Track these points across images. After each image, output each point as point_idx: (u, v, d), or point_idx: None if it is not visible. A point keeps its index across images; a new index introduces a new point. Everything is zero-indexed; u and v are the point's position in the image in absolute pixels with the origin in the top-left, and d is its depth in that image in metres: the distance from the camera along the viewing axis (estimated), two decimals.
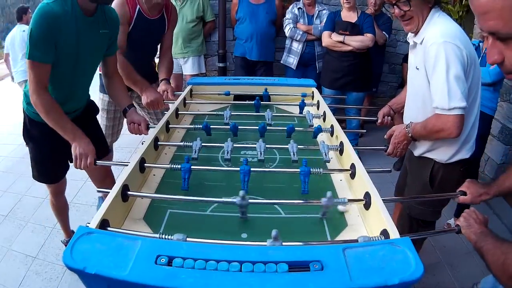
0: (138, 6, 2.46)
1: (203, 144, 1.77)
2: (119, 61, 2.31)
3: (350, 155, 1.65)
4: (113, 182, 2.45)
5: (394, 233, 1.11)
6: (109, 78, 2.23)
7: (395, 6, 1.78)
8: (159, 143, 1.82)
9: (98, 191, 2.28)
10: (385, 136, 2.10)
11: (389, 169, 1.73)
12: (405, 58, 4.39)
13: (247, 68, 4.27)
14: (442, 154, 1.90)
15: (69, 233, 2.76)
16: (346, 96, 3.83)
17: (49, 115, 1.83)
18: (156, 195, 1.46)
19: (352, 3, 3.69)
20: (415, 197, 2.06)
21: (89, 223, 1.12)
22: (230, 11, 4.42)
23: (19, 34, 5.37)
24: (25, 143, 2.24)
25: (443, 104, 1.65)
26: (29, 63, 1.74)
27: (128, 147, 4.29)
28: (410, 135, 1.90)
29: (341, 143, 1.79)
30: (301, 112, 2.43)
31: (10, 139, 5.63)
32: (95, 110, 2.40)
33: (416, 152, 2.02)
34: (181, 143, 1.80)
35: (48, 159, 2.21)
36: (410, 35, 1.94)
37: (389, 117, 2.34)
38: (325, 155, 1.72)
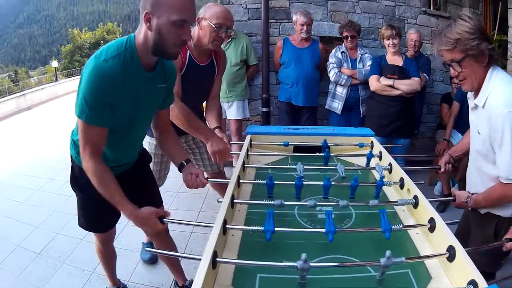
0: (188, 52, 2.42)
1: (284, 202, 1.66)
2: (180, 108, 2.23)
3: (427, 208, 1.59)
4: (167, 235, 2.36)
5: (482, 283, 1.13)
6: (161, 132, 2.07)
7: (450, 67, 1.82)
8: (235, 201, 1.71)
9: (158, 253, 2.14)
10: (455, 205, 2.08)
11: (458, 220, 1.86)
12: (444, 99, 4.42)
13: (292, 114, 4.20)
14: (507, 210, 1.88)
15: (115, 281, 2.61)
16: (401, 145, 3.75)
17: (102, 186, 1.66)
18: (249, 262, 1.32)
19: (397, 47, 3.67)
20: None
21: None
22: (274, 55, 4.40)
23: None
24: (72, 190, 2.10)
25: (508, 175, 1.70)
26: (84, 125, 1.59)
27: (169, 191, 4.17)
28: (470, 208, 1.96)
29: (416, 197, 1.72)
30: (367, 164, 2.35)
31: (40, 171, 5.64)
32: (148, 159, 2.28)
33: (482, 210, 2.00)
34: (262, 201, 1.70)
35: (98, 210, 2.05)
36: (470, 95, 1.97)
37: (450, 165, 2.33)
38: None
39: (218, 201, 1.67)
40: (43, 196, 4.62)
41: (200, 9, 2.39)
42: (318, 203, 1.68)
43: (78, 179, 1.97)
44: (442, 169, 2.32)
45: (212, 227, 1.41)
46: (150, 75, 1.71)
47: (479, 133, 1.84)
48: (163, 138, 2.07)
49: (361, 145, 2.56)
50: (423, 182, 1.90)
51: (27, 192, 4.79)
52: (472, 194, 1.94)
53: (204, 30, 2.34)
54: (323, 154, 2.37)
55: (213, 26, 2.30)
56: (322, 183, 1.86)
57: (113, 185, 1.66)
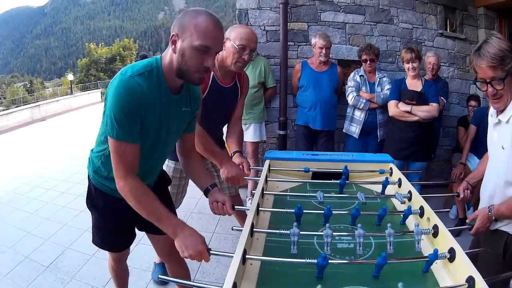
0: (212, 73, 2.39)
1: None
2: (198, 131, 2.18)
3: (448, 238, 1.54)
4: (178, 257, 2.29)
5: None
6: (186, 157, 2.02)
7: (488, 85, 1.77)
8: (254, 229, 1.67)
9: None
10: (468, 221, 2.09)
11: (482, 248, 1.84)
12: (460, 122, 4.41)
13: (309, 137, 4.16)
14: None
15: None
16: (419, 171, 3.74)
17: (142, 204, 1.59)
18: None
19: (417, 71, 3.66)
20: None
21: None
22: (292, 77, 4.40)
23: None
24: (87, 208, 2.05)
25: None
26: (115, 144, 1.54)
27: (183, 211, 4.12)
28: (493, 218, 1.90)
29: (436, 226, 1.67)
30: (383, 192, 2.29)
31: (53, 184, 5.66)
32: (167, 181, 2.25)
33: (492, 227, 1.99)
34: (278, 231, 1.63)
35: (115, 230, 2.02)
36: (492, 111, 1.95)
37: (468, 191, 2.32)
38: (418, 243, 1.62)
39: (232, 229, 1.61)
40: (54, 209, 4.62)
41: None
42: (336, 233, 1.63)
43: (95, 199, 1.94)
44: (462, 195, 2.31)
45: (232, 256, 1.37)
46: (175, 97, 1.69)
47: (503, 148, 1.84)
48: (188, 162, 2.03)
49: (381, 172, 2.51)
50: (448, 210, 1.90)
51: (38, 204, 4.81)
52: (492, 205, 1.93)
53: (227, 51, 2.32)
54: (343, 183, 2.32)
55: (236, 47, 2.27)
56: (350, 212, 1.83)
57: (155, 202, 1.61)
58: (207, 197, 1.92)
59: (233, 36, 2.30)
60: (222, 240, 3.60)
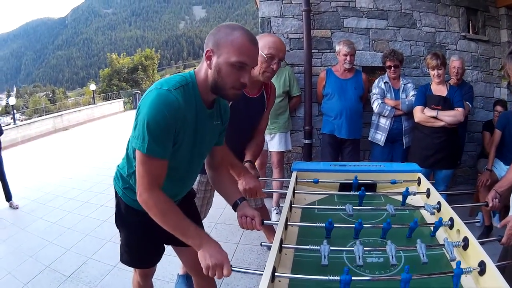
0: None
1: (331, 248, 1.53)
2: None
3: (479, 251, 1.47)
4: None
5: None
6: (215, 170, 1.96)
7: None
8: (283, 245, 1.60)
9: None
10: (499, 226, 2.09)
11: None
12: (486, 126, 4.32)
13: (334, 146, 4.07)
14: None
15: None
16: (445, 177, 3.72)
17: (166, 217, 1.55)
18: None
19: (442, 77, 3.59)
20: None
21: None
22: (316, 86, 4.33)
23: None
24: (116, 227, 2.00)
25: None
26: (143, 158, 1.49)
27: (207, 221, 3.94)
28: None
29: (466, 238, 1.59)
30: (403, 203, 2.21)
31: (75, 193, 5.69)
32: (193, 194, 2.20)
33: None
34: (307, 247, 1.56)
35: (145, 248, 1.97)
36: None
37: (497, 200, 2.28)
38: (451, 253, 1.53)
39: (261, 245, 1.54)
40: (76, 218, 4.63)
41: None
42: (366, 248, 1.53)
43: (124, 217, 1.89)
44: (490, 205, 2.27)
45: (260, 275, 1.33)
46: (209, 112, 1.66)
47: None
48: (217, 176, 1.97)
49: (395, 181, 2.44)
50: (479, 221, 1.98)
51: (60, 213, 4.83)
52: None
53: None
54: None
55: (265, 56, 2.20)
56: (382, 225, 1.76)
57: (180, 215, 1.57)
58: (235, 211, 1.86)
59: (261, 45, 2.19)
60: (247, 252, 3.49)
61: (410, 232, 1.79)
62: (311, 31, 4.40)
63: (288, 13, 4.45)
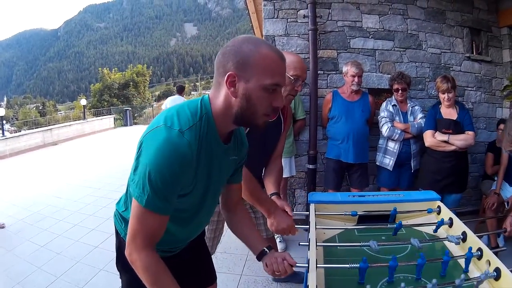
0: None
1: None
2: (243, 175, 1.81)
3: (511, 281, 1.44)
4: None
5: None
6: (231, 211, 1.73)
7: None
8: None
9: None
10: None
11: None
12: (489, 147, 4.28)
13: (340, 171, 3.92)
14: None
15: None
16: (454, 202, 3.59)
17: (158, 283, 1.28)
18: None
19: (452, 101, 3.51)
20: None
21: None
22: (321, 108, 4.17)
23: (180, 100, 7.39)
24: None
25: None
26: (141, 211, 1.23)
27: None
28: None
29: (497, 269, 1.52)
30: (435, 232, 2.16)
31: (63, 215, 5.48)
32: (203, 232, 1.94)
33: None
34: None
35: None
36: None
37: None
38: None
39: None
40: (66, 243, 4.36)
41: None
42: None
43: (127, 261, 1.68)
44: (509, 229, 2.33)
45: None
46: (226, 147, 1.41)
47: None
48: (234, 217, 1.74)
49: (430, 211, 2.35)
50: (505, 248, 1.99)
51: (49, 236, 4.58)
52: None
53: None
54: (393, 226, 2.15)
55: (291, 77, 2.02)
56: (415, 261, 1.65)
57: (172, 280, 1.31)
58: (259, 260, 1.63)
59: None
60: (252, 284, 3.29)
61: (444, 267, 1.71)
62: (317, 51, 4.27)
63: (293, 32, 4.33)
